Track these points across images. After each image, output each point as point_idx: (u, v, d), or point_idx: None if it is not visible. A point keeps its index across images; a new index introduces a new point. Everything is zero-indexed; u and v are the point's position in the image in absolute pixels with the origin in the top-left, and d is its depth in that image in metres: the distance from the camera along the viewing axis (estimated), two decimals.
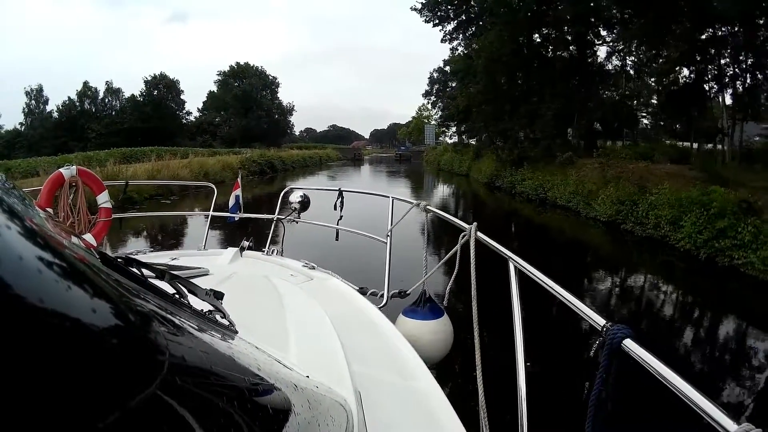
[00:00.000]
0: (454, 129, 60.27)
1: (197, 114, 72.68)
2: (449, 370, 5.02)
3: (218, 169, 32.35)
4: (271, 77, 77.13)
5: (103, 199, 4.47)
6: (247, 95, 71.29)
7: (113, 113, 64.34)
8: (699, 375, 6.69)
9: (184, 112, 70.53)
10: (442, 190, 37.12)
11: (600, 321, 1.36)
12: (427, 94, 72.33)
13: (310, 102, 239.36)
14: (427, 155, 69.46)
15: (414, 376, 2.03)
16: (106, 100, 65.49)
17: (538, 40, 30.84)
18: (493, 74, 30.36)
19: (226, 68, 74.79)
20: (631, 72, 29.44)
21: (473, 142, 50.26)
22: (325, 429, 0.97)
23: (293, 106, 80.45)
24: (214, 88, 73.69)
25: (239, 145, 57.84)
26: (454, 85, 57.99)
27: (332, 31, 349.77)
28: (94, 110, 63.70)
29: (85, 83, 64.24)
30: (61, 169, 4.17)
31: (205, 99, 73.46)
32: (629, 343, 1.23)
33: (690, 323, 9.29)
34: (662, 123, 29.89)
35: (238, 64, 75.21)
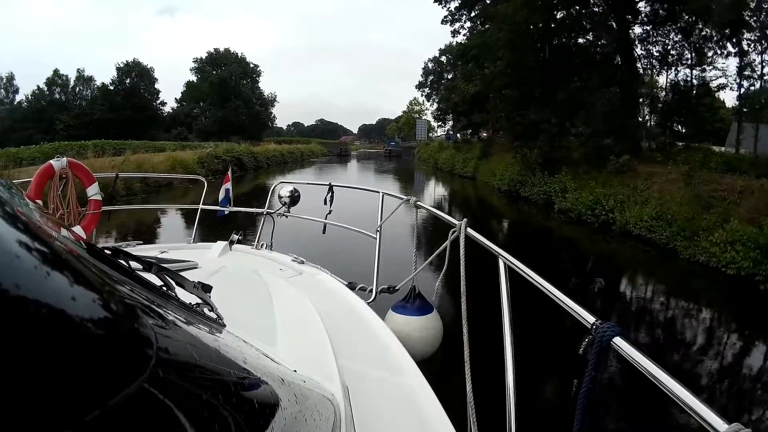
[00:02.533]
0: (452, 123, 56.48)
1: (175, 105, 67.25)
2: (438, 367, 5.03)
3: (164, 169, 25.35)
4: (252, 65, 70.59)
5: (93, 192, 4.45)
6: (225, 83, 64.34)
7: (83, 103, 60.00)
8: None
9: (159, 102, 65.76)
10: (448, 201, 28.26)
11: (590, 318, 1.36)
12: (420, 86, 67.71)
13: (299, 97, 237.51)
14: (420, 152, 63.48)
15: (402, 372, 2.03)
16: (77, 89, 61.56)
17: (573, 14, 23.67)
18: (519, 50, 23.20)
19: (204, 55, 67.92)
20: (654, 63, 22.63)
21: (466, 136, 45.89)
22: (312, 423, 0.97)
23: (275, 96, 74.38)
24: (194, 78, 67.68)
25: (216, 138, 51.72)
26: (450, 77, 55.07)
27: (322, 27, 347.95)
28: (64, 100, 59.66)
29: (56, 71, 60.14)
30: (51, 161, 4.14)
31: (183, 89, 67.87)
32: (618, 341, 1.23)
33: None
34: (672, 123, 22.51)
35: (216, 50, 67.75)
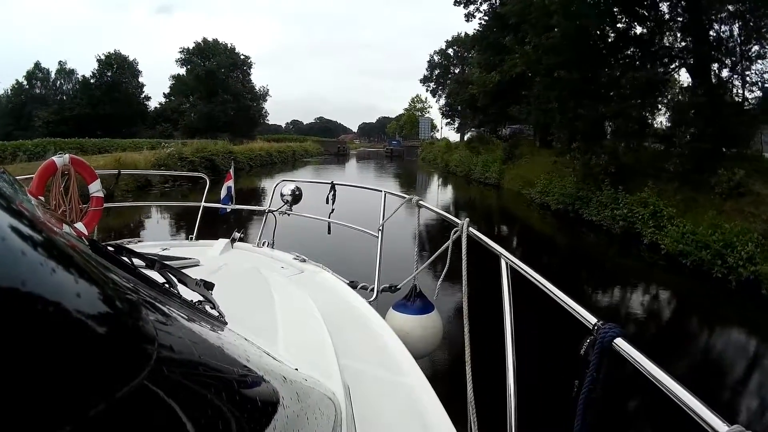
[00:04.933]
0: (459, 120, 52.08)
1: (164, 100, 63.06)
2: (438, 366, 5.03)
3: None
4: (242, 56, 65.10)
5: (95, 188, 4.46)
6: (212, 76, 59.47)
7: (64, 98, 56.69)
8: None
9: (143, 97, 61.66)
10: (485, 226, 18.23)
11: (591, 319, 1.36)
12: (425, 80, 64.22)
13: (298, 95, 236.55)
14: (425, 152, 58.06)
15: (403, 371, 2.03)
16: (58, 83, 58.83)
17: None
18: (579, 18, 16.56)
19: (191, 45, 62.96)
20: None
21: (483, 133, 39.44)
22: (313, 422, 0.97)
23: (267, 90, 69.27)
24: (182, 71, 62.69)
25: (202, 136, 48.10)
26: (458, 71, 51.63)
27: (322, 25, 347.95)
28: (44, 94, 56.92)
29: (37, 63, 58.02)
30: (53, 157, 4.15)
31: (172, 83, 63.05)
32: (620, 342, 1.23)
33: None
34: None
35: (204, 40, 62.49)
